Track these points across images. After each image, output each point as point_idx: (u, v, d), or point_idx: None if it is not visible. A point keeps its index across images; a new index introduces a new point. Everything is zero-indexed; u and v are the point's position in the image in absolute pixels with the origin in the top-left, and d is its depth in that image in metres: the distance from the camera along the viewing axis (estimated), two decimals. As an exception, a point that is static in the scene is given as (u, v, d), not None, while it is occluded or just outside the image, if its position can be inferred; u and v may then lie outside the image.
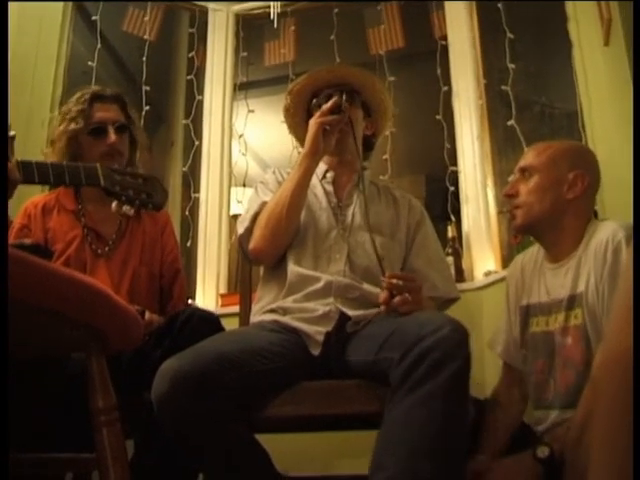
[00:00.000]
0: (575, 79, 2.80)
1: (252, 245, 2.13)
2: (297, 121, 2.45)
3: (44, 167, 1.68)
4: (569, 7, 2.90)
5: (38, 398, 1.79)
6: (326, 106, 2.14)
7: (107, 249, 2.24)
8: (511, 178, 2.18)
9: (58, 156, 2.24)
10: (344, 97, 2.17)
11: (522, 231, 2.10)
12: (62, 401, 1.80)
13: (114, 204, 1.80)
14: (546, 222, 1.99)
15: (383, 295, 1.89)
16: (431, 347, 1.56)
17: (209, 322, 1.96)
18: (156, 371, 1.61)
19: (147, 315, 2.07)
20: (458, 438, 1.56)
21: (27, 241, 1.62)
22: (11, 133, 1.64)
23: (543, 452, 1.73)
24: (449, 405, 1.53)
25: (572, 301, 1.90)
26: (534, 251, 2.16)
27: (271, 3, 4.01)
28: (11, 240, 2.17)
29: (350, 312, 2.00)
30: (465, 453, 1.61)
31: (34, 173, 1.64)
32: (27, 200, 2.32)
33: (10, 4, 3.05)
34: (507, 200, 2.08)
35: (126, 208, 1.81)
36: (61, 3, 3.54)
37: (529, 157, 2.06)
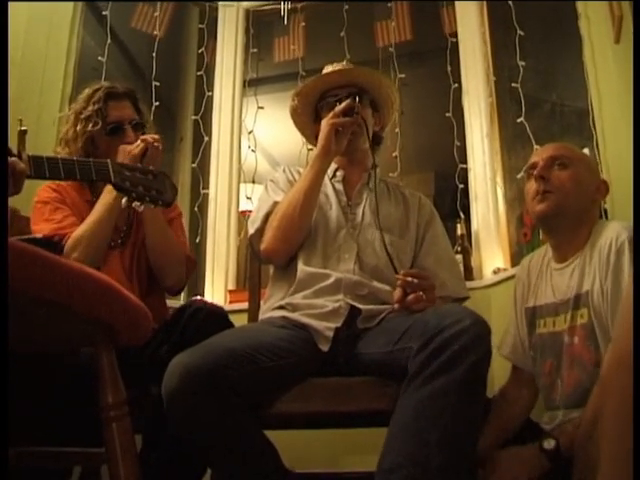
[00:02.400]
0: (585, 77, 2.78)
1: (264, 245, 2.13)
2: (304, 120, 2.45)
3: (55, 162, 1.68)
4: (580, 4, 2.88)
5: (47, 392, 1.79)
6: (339, 108, 2.14)
7: (120, 241, 2.25)
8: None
9: (73, 156, 2.22)
10: (357, 100, 2.18)
11: (549, 216, 2.00)
12: (71, 395, 1.81)
13: (124, 200, 1.80)
14: (573, 214, 1.98)
15: (397, 293, 1.89)
16: (451, 338, 1.56)
17: (216, 316, 1.95)
18: (163, 365, 1.61)
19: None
20: (469, 431, 1.57)
21: (38, 235, 1.62)
22: (23, 128, 1.64)
23: (549, 444, 1.75)
24: (463, 398, 1.53)
25: (578, 300, 1.90)
26: (541, 253, 2.16)
27: (281, -1, 4.02)
28: (49, 212, 2.17)
29: (360, 306, 2.00)
30: (475, 446, 1.61)
31: (45, 168, 1.64)
32: (36, 192, 2.30)
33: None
34: (540, 182, 2.00)
35: (136, 204, 1.81)
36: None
37: (561, 149, 2.05)
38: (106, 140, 2.26)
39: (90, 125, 2.23)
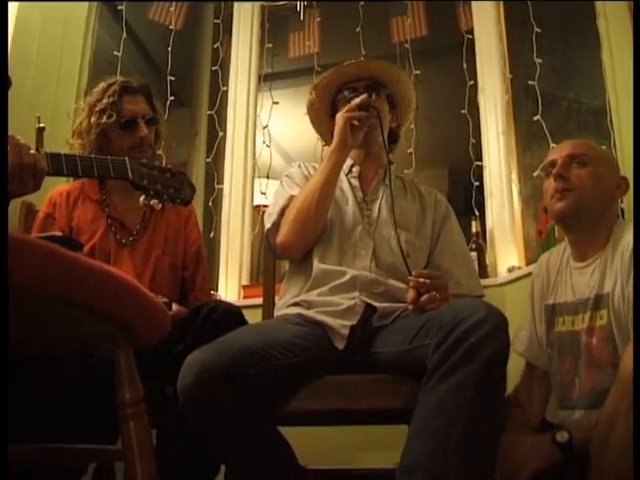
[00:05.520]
0: (603, 75, 2.77)
1: (280, 239, 2.13)
2: (320, 115, 2.45)
3: (73, 159, 1.69)
4: (598, 3, 2.86)
5: (64, 390, 1.80)
6: (355, 102, 2.13)
7: (131, 239, 2.25)
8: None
9: (86, 148, 2.24)
10: (373, 96, 2.17)
11: (569, 214, 2.00)
12: (88, 391, 1.82)
13: (142, 198, 1.80)
14: (592, 212, 1.97)
15: (411, 294, 1.88)
16: (468, 331, 1.55)
17: (232, 316, 1.94)
18: (178, 364, 1.61)
19: (174, 307, 2.07)
20: (490, 426, 1.55)
21: (57, 233, 1.63)
22: (40, 125, 1.65)
23: (562, 437, 1.74)
24: (482, 393, 1.52)
25: (598, 301, 1.89)
26: (559, 250, 2.15)
27: (297, -6, 4.01)
28: (36, 229, 2.19)
29: (376, 304, 1.99)
30: (497, 442, 1.61)
31: (63, 165, 1.65)
32: (53, 190, 2.32)
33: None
34: (559, 180, 1.99)
35: (154, 202, 1.82)
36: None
37: (579, 147, 2.04)
38: (119, 134, 2.26)
39: (104, 117, 2.23)
